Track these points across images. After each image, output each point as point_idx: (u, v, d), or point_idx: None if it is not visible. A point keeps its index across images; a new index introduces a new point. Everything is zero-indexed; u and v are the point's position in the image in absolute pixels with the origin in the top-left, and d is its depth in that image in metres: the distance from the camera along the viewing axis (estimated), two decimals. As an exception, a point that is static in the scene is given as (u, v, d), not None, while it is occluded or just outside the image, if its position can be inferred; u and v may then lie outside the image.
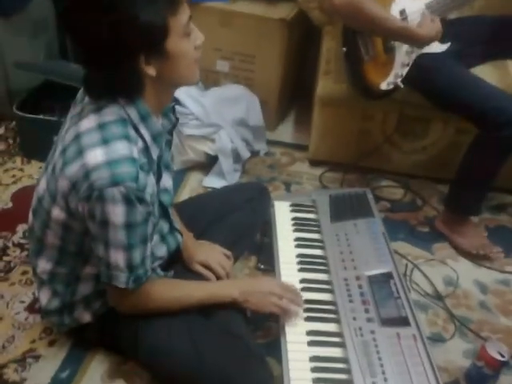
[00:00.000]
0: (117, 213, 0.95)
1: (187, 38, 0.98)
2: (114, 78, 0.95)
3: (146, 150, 1.01)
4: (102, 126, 0.96)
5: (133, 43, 0.91)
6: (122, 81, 0.96)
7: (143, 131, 1.00)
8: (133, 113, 0.99)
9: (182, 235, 1.26)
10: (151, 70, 0.95)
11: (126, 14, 0.88)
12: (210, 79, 2.20)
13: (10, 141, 2.05)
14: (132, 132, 0.98)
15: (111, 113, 0.97)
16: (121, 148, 0.94)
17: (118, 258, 1.00)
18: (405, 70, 1.59)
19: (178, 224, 1.26)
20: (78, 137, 0.97)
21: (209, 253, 1.32)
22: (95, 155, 0.94)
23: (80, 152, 0.95)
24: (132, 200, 0.95)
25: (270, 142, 2.17)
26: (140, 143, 1.00)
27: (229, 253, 1.35)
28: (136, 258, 1.02)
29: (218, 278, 1.30)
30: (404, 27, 1.51)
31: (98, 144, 0.94)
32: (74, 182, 0.96)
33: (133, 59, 0.93)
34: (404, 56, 1.59)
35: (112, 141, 0.95)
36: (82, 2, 0.91)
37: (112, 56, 0.92)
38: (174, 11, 0.93)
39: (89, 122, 0.97)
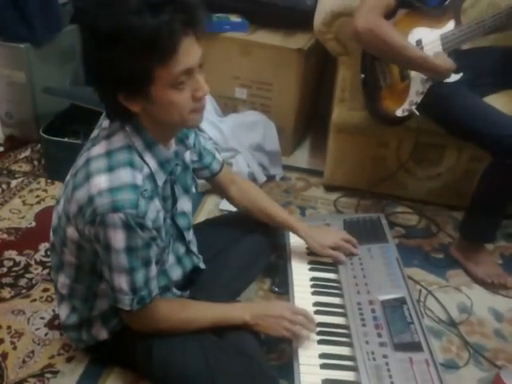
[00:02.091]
0: (117, 238, 0.98)
1: (177, 90, 0.95)
2: (107, 105, 1.01)
3: (151, 176, 1.04)
4: (109, 153, 1.00)
5: (110, 82, 0.94)
6: (111, 109, 1.01)
7: (147, 158, 1.03)
8: (137, 141, 1.02)
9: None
10: (135, 107, 0.97)
11: (111, 53, 0.89)
12: (228, 106, 2.26)
13: (35, 162, 2.13)
14: (137, 159, 1.01)
15: (119, 140, 1.02)
16: (124, 175, 0.98)
17: (120, 281, 1.03)
18: (419, 98, 1.62)
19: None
20: (87, 162, 1.01)
21: (329, 235, 1.45)
22: (99, 181, 0.97)
23: (87, 177, 0.99)
24: (132, 226, 0.97)
25: (286, 167, 2.21)
26: (146, 169, 1.02)
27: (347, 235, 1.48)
28: (138, 281, 1.04)
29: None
30: (423, 57, 1.54)
31: (104, 171, 0.98)
32: (81, 205, 1.00)
33: (112, 94, 0.95)
34: (419, 84, 1.63)
35: (116, 168, 0.98)
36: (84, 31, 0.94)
37: (97, 85, 0.97)
38: (162, 63, 0.91)
39: (99, 149, 1.02)
